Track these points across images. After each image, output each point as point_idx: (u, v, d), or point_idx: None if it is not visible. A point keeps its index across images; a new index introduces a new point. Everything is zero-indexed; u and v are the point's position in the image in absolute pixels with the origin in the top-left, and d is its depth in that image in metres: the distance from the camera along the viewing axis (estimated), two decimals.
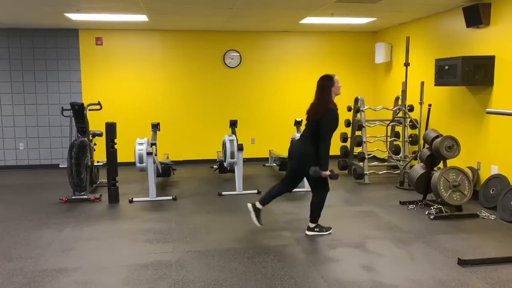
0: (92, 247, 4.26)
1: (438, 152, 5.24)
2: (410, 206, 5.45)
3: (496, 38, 5.44)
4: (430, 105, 6.28)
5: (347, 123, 7.46)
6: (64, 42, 8.05)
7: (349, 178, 7.18)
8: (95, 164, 6.38)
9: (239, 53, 8.51)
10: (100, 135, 6.49)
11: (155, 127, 7.02)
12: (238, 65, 8.55)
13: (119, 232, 4.70)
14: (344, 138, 7.48)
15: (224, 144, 6.46)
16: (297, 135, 6.48)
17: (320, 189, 4.43)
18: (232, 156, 6.20)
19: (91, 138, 6.43)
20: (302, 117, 7.13)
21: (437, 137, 5.35)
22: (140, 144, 5.93)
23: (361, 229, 4.68)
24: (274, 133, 8.64)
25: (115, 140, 5.81)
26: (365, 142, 7.06)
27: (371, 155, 7.31)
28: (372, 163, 7.62)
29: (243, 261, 3.84)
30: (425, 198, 5.49)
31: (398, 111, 6.93)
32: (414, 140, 6.76)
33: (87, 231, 4.72)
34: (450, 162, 5.36)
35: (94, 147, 6.58)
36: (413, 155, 6.70)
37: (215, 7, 6.09)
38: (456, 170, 5.17)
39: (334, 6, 5.99)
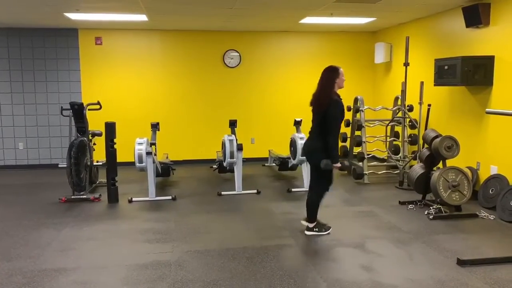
0: (91, 247, 4.26)
1: (437, 152, 5.24)
2: (410, 206, 5.46)
3: (496, 38, 5.44)
4: (429, 105, 6.29)
5: (347, 123, 7.47)
6: (63, 42, 8.05)
7: (348, 178, 7.19)
8: (94, 163, 6.38)
9: (238, 53, 8.51)
10: (99, 134, 6.48)
11: (155, 127, 7.02)
12: (238, 65, 8.55)
13: (119, 232, 4.70)
14: (343, 138, 7.48)
15: (223, 144, 6.46)
16: (297, 135, 6.50)
17: (324, 184, 4.39)
18: (232, 156, 6.20)
19: (90, 137, 6.43)
20: (302, 116, 7.20)
21: (436, 137, 5.35)
22: (140, 144, 5.92)
23: (361, 229, 4.68)
24: (274, 133, 8.64)
25: (115, 140, 5.81)
26: (364, 142, 7.06)
27: (370, 155, 7.31)
28: (372, 163, 7.63)
29: (242, 261, 3.84)
30: (425, 198, 5.49)
31: (397, 111, 6.93)
32: (413, 140, 6.77)
33: (87, 231, 4.72)
34: (450, 162, 5.36)
35: (94, 147, 6.58)
36: (413, 155, 6.70)
37: (214, 7, 6.09)
38: (455, 170, 5.18)
39: (333, 6, 5.99)
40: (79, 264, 3.81)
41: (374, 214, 5.21)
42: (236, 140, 6.34)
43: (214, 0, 5.67)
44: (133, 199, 5.90)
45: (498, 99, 5.43)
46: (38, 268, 3.73)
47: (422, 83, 6.34)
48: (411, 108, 6.92)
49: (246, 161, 6.91)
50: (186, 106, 8.50)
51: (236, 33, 8.46)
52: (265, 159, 8.41)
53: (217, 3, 5.84)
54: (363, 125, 7.11)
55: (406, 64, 6.49)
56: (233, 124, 7.19)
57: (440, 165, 5.37)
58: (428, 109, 6.26)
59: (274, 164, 7.96)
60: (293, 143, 6.61)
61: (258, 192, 6.23)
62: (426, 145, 5.60)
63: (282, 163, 7.22)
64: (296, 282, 3.42)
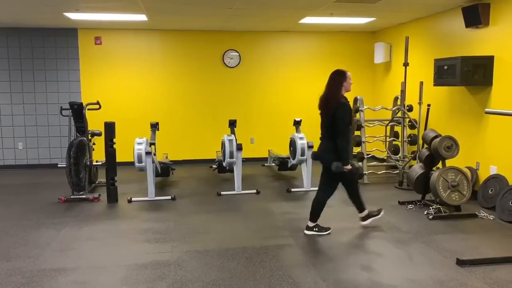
0: (91, 247, 4.26)
1: (437, 152, 5.24)
2: (409, 206, 5.46)
3: (495, 38, 5.44)
4: (429, 105, 6.29)
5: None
6: (63, 42, 8.04)
7: None
8: (94, 163, 6.38)
9: (238, 53, 8.51)
10: (99, 134, 6.48)
11: (154, 126, 7.02)
12: (238, 65, 8.55)
13: (118, 232, 4.70)
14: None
15: (223, 144, 6.45)
16: (297, 135, 6.50)
17: (327, 186, 4.43)
18: (231, 156, 6.20)
19: (90, 137, 6.43)
20: (302, 116, 7.20)
21: (436, 137, 5.35)
22: (139, 143, 5.92)
23: (360, 229, 4.68)
24: (273, 133, 8.64)
25: (114, 140, 5.81)
26: (364, 142, 7.06)
27: (370, 155, 7.31)
28: (371, 163, 7.63)
29: (241, 261, 3.83)
30: (424, 198, 5.49)
31: (397, 111, 6.93)
32: (413, 140, 6.77)
33: (86, 231, 4.72)
34: (449, 162, 5.37)
35: (93, 146, 6.58)
36: (412, 155, 6.71)
37: (214, 7, 6.09)
38: (455, 170, 5.18)
39: (333, 6, 5.99)
40: (79, 264, 3.81)
41: None
42: (236, 140, 6.34)
43: (214, 0, 5.67)
44: (133, 199, 5.90)
45: (497, 99, 5.44)
46: (37, 268, 3.73)
47: (421, 83, 6.34)
48: (410, 108, 6.92)
49: (245, 161, 6.91)
50: (185, 106, 8.50)
51: (235, 33, 8.46)
52: (265, 159, 8.41)
53: (217, 3, 5.84)
54: (362, 125, 7.11)
55: (406, 64, 6.49)
56: (232, 124, 7.19)
57: (440, 165, 5.37)
58: (428, 109, 6.26)
59: (273, 164, 7.96)
60: (292, 143, 6.61)
61: (258, 192, 6.23)
62: (425, 145, 5.60)
63: (282, 163, 7.22)
64: (295, 282, 3.42)
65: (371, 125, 7.33)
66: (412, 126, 6.80)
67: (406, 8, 6.24)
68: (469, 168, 5.86)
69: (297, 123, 7.03)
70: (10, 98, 8.05)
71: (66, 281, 3.49)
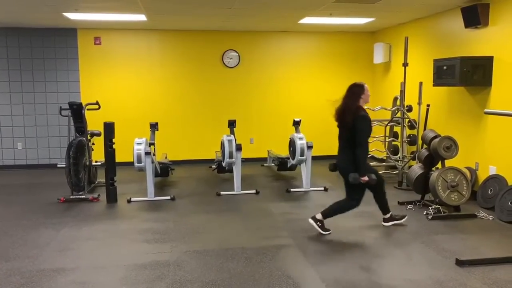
0: (90, 247, 4.26)
1: (436, 152, 5.25)
2: (409, 206, 5.46)
3: (495, 39, 5.45)
4: (428, 105, 6.29)
5: None
6: (62, 42, 8.04)
7: None
8: (93, 163, 6.38)
9: (237, 53, 8.51)
10: (98, 134, 6.48)
11: (154, 127, 7.01)
12: (237, 65, 8.55)
13: (117, 232, 4.70)
14: None
15: (222, 144, 6.45)
16: (296, 135, 6.50)
17: (354, 195, 4.44)
18: (231, 156, 6.20)
19: (89, 137, 6.43)
20: (301, 117, 7.20)
21: (435, 137, 5.35)
22: (139, 144, 5.92)
23: (359, 229, 4.68)
24: (273, 133, 8.64)
25: (113, 140, 5.81)
26: None
27: (369, 155, 7.30)
28: (371, 163, 7.60)
29: (241, 261, 3.83)
30: (423, 199, 5.50)
31: (396, 111, 6.93)
32: (412, 141, 6.77)
33: (85, 231, 4.71)
34: (448, 163, 5.37)
35: (93, 147, 6.58)
36: (412, 155, 6.71)
37: (214, 7, 6.09)
38: (454, 170, 5.18)
39: (332, 6, 5.99)
40: (78, 264, 3.81)
41: (373, 214, 5.20)
42: (235, 140, 6.34)
43: (213, 0, 5.67)
44: (132, 199, 5.90)
45: (496, 99, 5.44)
46: (36, 268, 3.73)
47: (421, 83, 6.34)
48: (410, 109, 6.92)
49: (245, 161, 6.91)
50: (185, 106, 8.50)
51: (235, 33, 8.46)
52: (264, 159, 8.41)
53: (216, 3, 5.84)
54: None
55: (405, 65, 6.50)
56: (232, 124, 7.18)
57: (439, 165, 5.38)
58: (427, 110, 6.27)
59: (273, 164, 7.96)
60: (292, 143, 6.61)
61: (257, 192, 6.23)
62: (425, 146, 5.61)
63: (281, 163, 7.22)
64: (294, 283, 3.42)
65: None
66: (412, 127, 6.81)
67: (405, 8, 6.25)
68: (468, 168, 5.86)
69: (296, 123, 7.03)
70: (9, 98, 8.04)
71: (66, 281, 3.48)
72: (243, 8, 6.16)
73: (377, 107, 7.57)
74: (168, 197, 5.96)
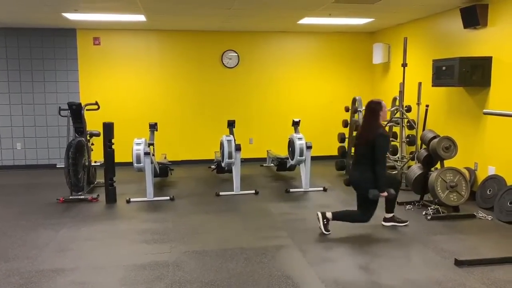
0: (89, 247, 4.26)
1: (435, 152, 5.25)
2: (408, 207, 5.46)
3: (494, 39, 5.45)
4: (427, 105, 6.29)
5: (345, 124, 7.48)
6: (61, 42, 8.04)
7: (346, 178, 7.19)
8: (92, 164, 6.37)
9: (237, 53, 8.51)
10: (97, 135, 6.48)
11: (153, 127, 7.01)
12: (236, 65, 8.55)
13: (117, 232, 4.70)
14: (341, 138, 7.48)
15: (221, 144, 6.45)
16: (295, 135, 6.50)
17: (367, 211, 4.47)
18: (230, 156, 6.20)
19: (88, 138, 6.42)
20: (300, 117, 7.19)
21: (434, 137, 5.36)
22: (138, 144, 5.92)
23: (358, 229, 4.68)
24: (272, 133, 8.64)
25: (113, 140, 5.81)
26: None
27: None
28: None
29: (240, 262, 3.84)
30: (423, 199, 5.50)
31: (395, 111, 6.93)
32: (411, 141, 6.77)
33: (84, 231, 4.71)
34: (447, 163, 5.37)
35: (92, 147, 6.57)
36: (411, 155, 6.71)
37: (213, 7, 6.09)
38: (453, 170, 5.18)
39: (332, 6, 5.99)
40: (77, 265, 3.80)
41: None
42: (234, 140, 6.34)
43: (213, 0, 5.67)
44: (131, 199, 5.89)
45: (495, 99, 5.45)
46: (35, 268, 3.73)
47: (420, 83, 6.34)
48: (409, 109, 6.93)
49: (244, 161, 6.91)
50: (184, 106, 8.50)
51: (234, 33, 8.46)
52: (264, 160, 8.41)
53: (216, 4, 5.84)
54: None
55: (404, 65, 6.50)
56: (231, 124, 7.18)
57: (438, 165, 5.38)
58: (426, 110, 6.27)
59: (272, 164, 7.96)
60: (291, 144, 6.62)
61: (256, 193, 6.23)
62: (424, 146, 5.61)
63: (280, 163, 7.22)
64: (294, 283, 3.42)
65: None
66: (411, 127, 6.81)
67: (404, 8, 6.25)
68: (467, 168, 5.87)
69: (295, 124, 7.03)
70: (8, 98, 8.04)
71: (65, 281, 3.48)
72: (243, 8, 6.16)
73: None
74: (168, 198, 5.96)
